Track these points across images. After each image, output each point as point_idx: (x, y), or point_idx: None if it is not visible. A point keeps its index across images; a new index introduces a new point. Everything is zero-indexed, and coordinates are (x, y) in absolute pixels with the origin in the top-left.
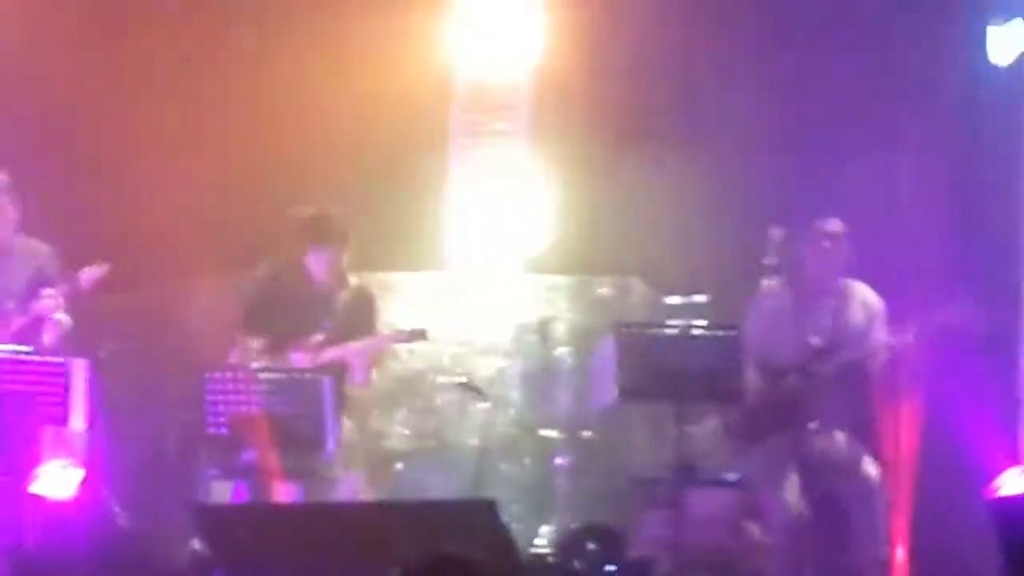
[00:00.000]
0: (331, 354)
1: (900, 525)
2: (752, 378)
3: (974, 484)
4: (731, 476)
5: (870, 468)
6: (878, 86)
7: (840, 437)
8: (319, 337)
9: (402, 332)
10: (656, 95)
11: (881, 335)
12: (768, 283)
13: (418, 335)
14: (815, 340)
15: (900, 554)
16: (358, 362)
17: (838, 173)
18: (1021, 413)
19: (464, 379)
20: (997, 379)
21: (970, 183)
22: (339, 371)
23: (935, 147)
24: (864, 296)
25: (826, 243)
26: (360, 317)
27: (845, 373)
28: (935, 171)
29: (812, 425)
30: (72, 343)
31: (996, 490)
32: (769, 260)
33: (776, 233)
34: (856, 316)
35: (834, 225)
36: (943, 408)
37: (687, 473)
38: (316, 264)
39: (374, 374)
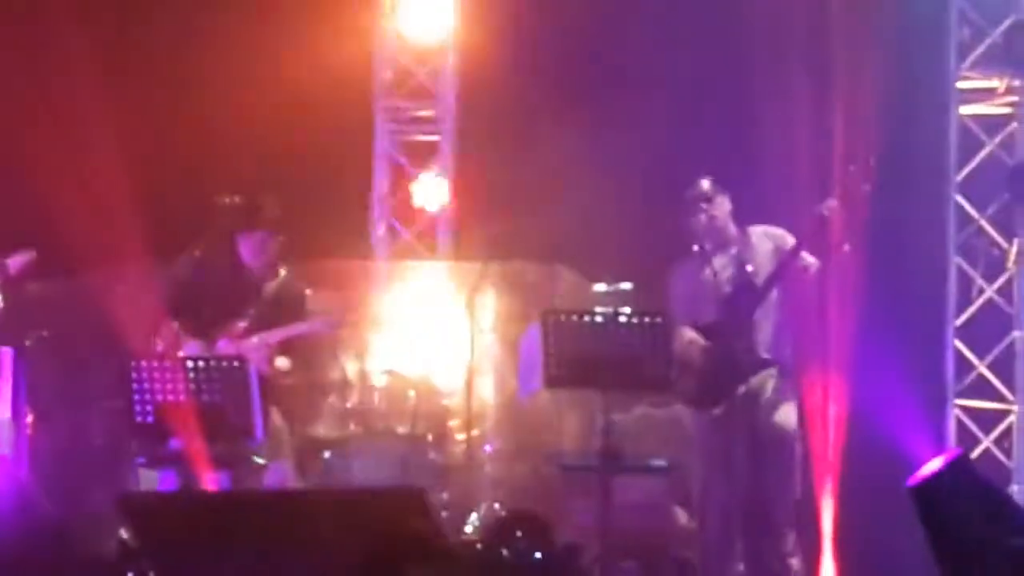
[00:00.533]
0: (255, 341)
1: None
2: (695, 342)
3: (899, 471)
4: (659, 462)
5: (791, 414)
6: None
7: (771, 385)
8: (243, 324)
9: (325, 320)
10: (583, 81)
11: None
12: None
13: (339, 324)
14: (726, 289)
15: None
16: (269, 351)
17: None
18: (949, 401)
19: (391, 367)
20: (926, 368)
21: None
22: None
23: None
24: (765, 232)
25: (702, 205)
26: (288, 305)
27: (769, 309)
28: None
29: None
30: None
31: (918, 477)
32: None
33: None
34: (760, 255)
35: (702, 187)
36: (871, 397)
37: (615, 460)
38: (246, 250)
39: (285, 362)
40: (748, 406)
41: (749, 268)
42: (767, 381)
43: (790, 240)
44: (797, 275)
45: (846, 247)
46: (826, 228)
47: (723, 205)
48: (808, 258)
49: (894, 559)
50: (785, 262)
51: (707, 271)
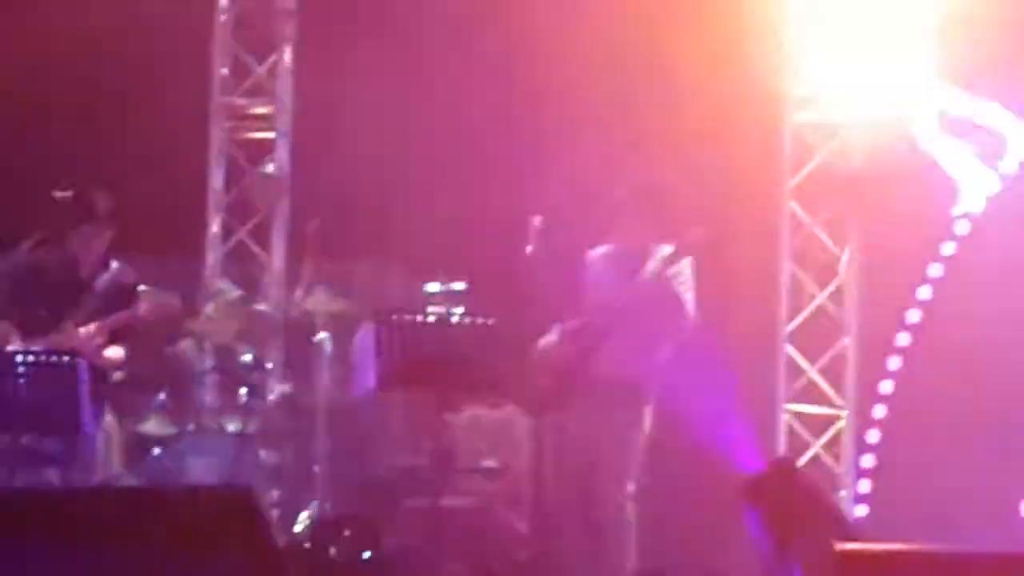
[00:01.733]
0: (83, 332)
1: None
2: (550, 343)
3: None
4: (490, 464)
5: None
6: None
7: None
8: (74, 320)
9: (152, 305)
10: (419, 82)
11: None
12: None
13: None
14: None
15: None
16: (100, 342)
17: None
18: (779, 406)
19: (219, 363)
20: (757, 373)
21: None
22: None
23: None
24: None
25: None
26: (119, 296)
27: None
28: None
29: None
30: None
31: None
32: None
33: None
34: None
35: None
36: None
37: (446, 461)
38: (77, 245)
39: (118, 351)
40: (591, 411)
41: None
42: (613, 389)
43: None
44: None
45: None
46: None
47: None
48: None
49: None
50: (645, 277)
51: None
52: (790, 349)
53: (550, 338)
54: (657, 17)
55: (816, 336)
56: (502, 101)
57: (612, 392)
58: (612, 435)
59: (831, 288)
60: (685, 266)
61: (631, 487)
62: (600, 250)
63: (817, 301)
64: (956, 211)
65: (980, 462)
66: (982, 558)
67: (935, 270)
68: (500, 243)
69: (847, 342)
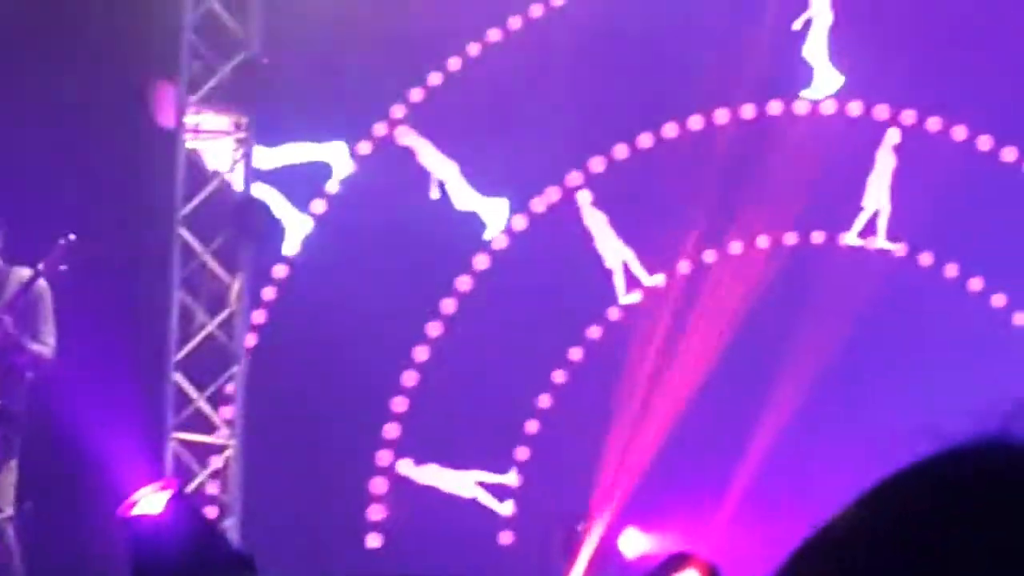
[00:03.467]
0: None
1: None
2: None
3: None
4: None
5: None
6: None
7: None
8: None
9: None
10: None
11: None
12: None
13: None
14: None
15: None
16: None
17: None
18: (167, 434)
19: None
20: (145, 401)
21: None
22: None
23: None
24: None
25: None
26: None
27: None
28: None
29: None
30: None
31: (130, 507)
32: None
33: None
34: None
35: None
36: (88, 426)
37: None
38: None
39: None
40: None
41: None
42: None
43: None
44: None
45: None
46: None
47: None
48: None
49: None
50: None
51: None
52: (179, 377)
53: None
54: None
55: (206, 365)
56: None
57: None
58: None
59: (222, 317)
60: (44, 291)
61: (9, 511)
62: None
63: (208, 330)
64: None
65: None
66: None
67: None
68: None
69: (236, 370)
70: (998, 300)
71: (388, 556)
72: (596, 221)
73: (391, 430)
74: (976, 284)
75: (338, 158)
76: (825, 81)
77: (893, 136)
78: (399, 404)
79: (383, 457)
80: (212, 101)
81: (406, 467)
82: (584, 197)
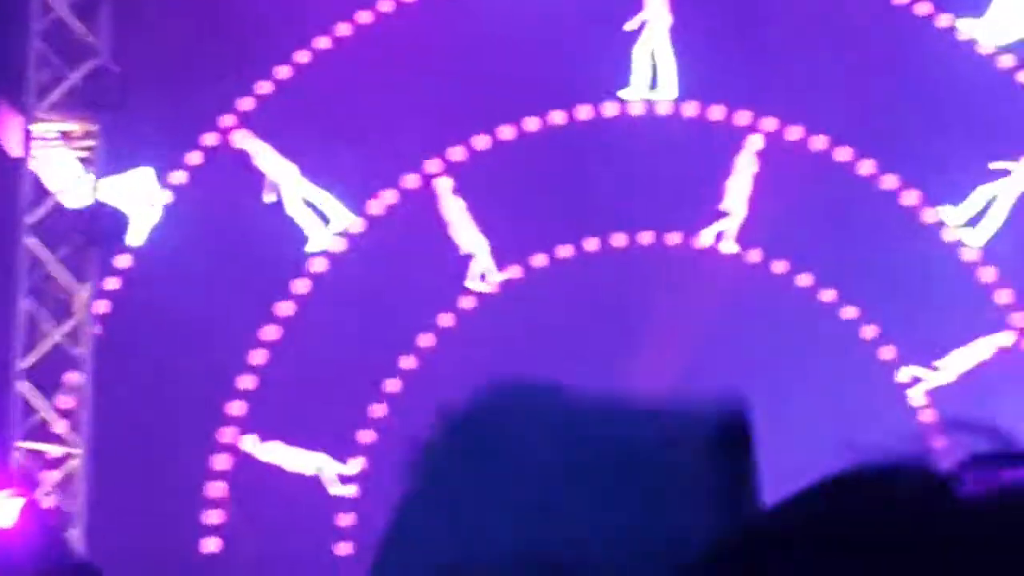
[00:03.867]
0: None
1: None
2: None
3: None
4: None
5: None
6: None
7: None
8: None
9: None
10: None
11: None
12: None
13: None
14: None
15: None
16: None
17: None
18: (11, 443)
19: None
20: None
21: None
22: None
23: None
24: None
25: None
26: None
27: None
28: None
29: None
30: None
31: None
32: None
33: None
34: None
35: None
36: None
37: None
38: None
39: None
40: None
41: None
42: None
43: None
44: None
45: None
46: None
47: None
48: None
49: None
50: None
51: None
52: (24, 386)
53: None
54: None
55: (52, 373)
56: None
57: None
58: None
59: (69, 325)
60: None
61: None
62: None
63: (54, 339)
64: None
65: None
66: None
67: None
68: None
69: (83, 380)
70: (849, 312)
71: (227, 561)
72: (454, 208)
73: (237, 408)
74: (829, 295)
75: (146, 186)
76: (668, 83)
77: (756, 142)
78: (246, 382)
79: (227, 434)
80: (60, 109)
81: (250, 443)
82: (444, 184)
